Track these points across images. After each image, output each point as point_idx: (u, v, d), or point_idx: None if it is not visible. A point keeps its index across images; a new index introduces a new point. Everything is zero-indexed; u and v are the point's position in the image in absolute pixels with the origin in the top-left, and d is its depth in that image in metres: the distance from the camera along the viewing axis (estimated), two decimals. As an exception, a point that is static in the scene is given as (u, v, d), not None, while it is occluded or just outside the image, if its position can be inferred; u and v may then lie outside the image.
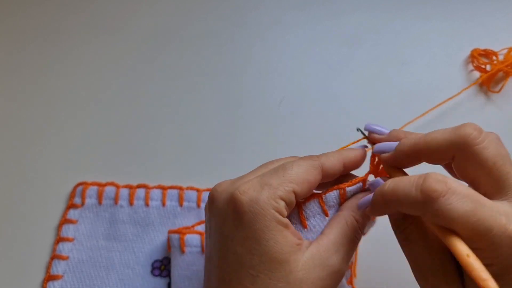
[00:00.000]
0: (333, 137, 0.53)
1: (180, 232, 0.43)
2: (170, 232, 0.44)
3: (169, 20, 0.64)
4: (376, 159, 0.34)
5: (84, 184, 0.49)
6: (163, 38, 0.62)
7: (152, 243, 0.46)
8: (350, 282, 0.42)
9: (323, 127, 0.54)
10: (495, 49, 0.58)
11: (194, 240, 0.42)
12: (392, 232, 0.44)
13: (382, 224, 0.44)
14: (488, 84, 0.55)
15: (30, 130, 0.54)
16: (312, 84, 0.58)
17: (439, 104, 0.52)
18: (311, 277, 0.28)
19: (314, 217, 0.32)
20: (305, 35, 0.62)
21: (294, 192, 0.29)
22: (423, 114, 0.49)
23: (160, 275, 0.44)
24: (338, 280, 0.30)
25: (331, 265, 0.29)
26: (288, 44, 0.61)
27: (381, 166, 0.34)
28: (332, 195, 0.32)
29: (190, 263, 0.42)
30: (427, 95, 0.56)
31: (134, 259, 0.45)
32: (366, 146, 0.35)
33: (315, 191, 0.33)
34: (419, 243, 0.29)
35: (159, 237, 0.46)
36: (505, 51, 0.57)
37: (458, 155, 0.28)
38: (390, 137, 0.33)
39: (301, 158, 0.32)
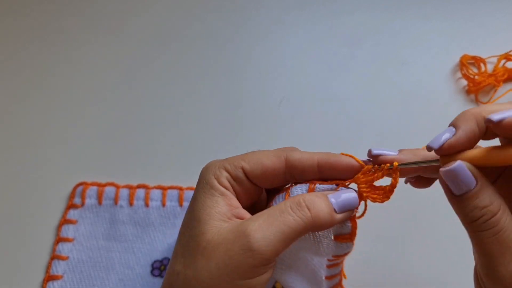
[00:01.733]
0: (333, 137, 0.53)
1: None
2: None
3: (169, 20, 0.64)
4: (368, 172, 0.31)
5: (84, 184, 0.49)
6: (163, 38, 0.62)
7: (152, 244, 0.46)
8: (340, 284, 0.41)
9: (323, 127, 0.54)
10: (493, 50, 0.57)
11: None
12: (383, 234, 0.44)
13: (373, 225, 0.45)
14: (476, 92, 0.55)
15: (30, 130, 0.54)
16: (312, 84, 0.58)
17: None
18: (218, 239, 0.27)
19: None
20: (305, 35, 0.62)
21: (243, 168, 0.30)
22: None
23: (160, 275, 0.44)
24: (244, 245, 0.27)
25: (241, 230, 0.27)
26: (288, 44, 0.61)
27: (373, 181, 0.31)
28: (298, 188, 0.31)
29: None
30: (427, 95, 0.56)
31: (134, 260, 0.45)
32: (367, 163, 0.32)
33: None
34: (509, 228, 0.26)
35: (159, 238, 0.46)
36: (493, 59, 0.57)
37: None
38: (404, 153, 0.30)
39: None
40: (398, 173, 0.30)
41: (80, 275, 0.44)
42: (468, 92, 0.56)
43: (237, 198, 0.31)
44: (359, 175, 0.31)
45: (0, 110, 0.56)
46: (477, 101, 0.55)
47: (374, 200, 0.31)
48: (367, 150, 0.31)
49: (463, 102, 0.55)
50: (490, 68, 0.57)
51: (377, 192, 0.31)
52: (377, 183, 0.31)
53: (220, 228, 0.28)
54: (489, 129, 0.27)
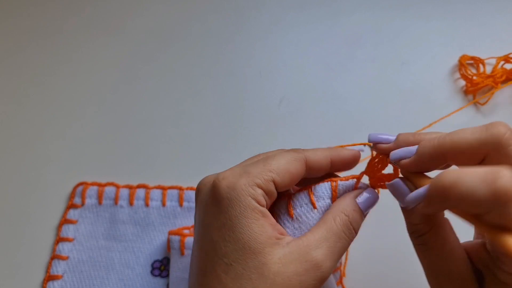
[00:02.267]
0: (333, 137, 0.53)
1: (181, 234, 0.43)
2: (170, 233, 0.44)
3: (169, 20, 0.64)
4: (378, 166, 0.33)
5: (84, 184, 0.49)
6: (163, 38, 0.62)
7: (152, 243, 0.46)
8: (340, 282, 0.42)
9: (323, 127, 0.54)
10: (492, 51, 0.57)
11: None
12: (383, 231, 0.44)
13: (373, 222, 0.45)
14: (474, 93, 0.55)
15: (30, 130, 0.54)
16: (312, 84, 0.58)
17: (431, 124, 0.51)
18: (288, 271, 0.27)
19: (301, 207, 0.31)
20: (305, 35, 0.62)
21: (274, 182, 0.29)
22: (427, 127, 0.49)
23: (160, 275, 0.44)
24: (318, 276, 0.27)
25: (310, 260, 0.27)
26: (288, 44, 0.61)
27: (380, 171, 0.33)
28: (322, 187, 0.32)
29: (188, 266, 0.42)
30: (426, 95, 0.56)
31: (134, 259, 0.45)
32: (362, 150, 0.35)
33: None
34: (436, 250, 0.28)
35: (159, 237, 0.46)
36: (492, 60, 0.57)
37: (491, 156, 0.26)
38: (398, 142, 0.31)
39: (286, 150, 0.32)
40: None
41: (80, 275, 0.44)
42: (466, 92, 0.56)
43: None
44: (367, 169, 0.33)
45: (0, 110, 0.56)
46: (475, 102, 0.55)
47: (384, 188, 0.33)
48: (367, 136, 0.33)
49: (462, 103, 0.55)
50: (489, 69, 0.57)
51: (384, 180, 0.33)
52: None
53: (281, 256, 0.27)
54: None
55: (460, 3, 0.64)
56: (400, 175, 0.31)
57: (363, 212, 0.31)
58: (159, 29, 0.63)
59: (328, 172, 0.33)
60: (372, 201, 0.31)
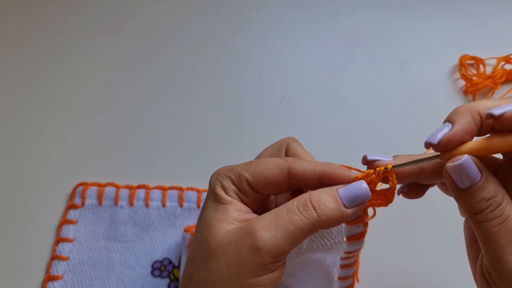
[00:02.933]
0: (333, 136, 0.53)
1: (191, 231, 0.42)
2: (186, 230, 0.43)
3: (169, 20, 0.64)
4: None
5: (84, 184, 0.49)
6: (163, 38, 0.62)
7: (152, 244, 0.46)
8: (352, 286, 0.41)
9: (323, 127, 0.54)
10: (493, 52, 0.57)
11: None
12: (396, 239, 0.44)
13: (386, 232, 0.45)
14: (474, 93, 0.55)
15: (31, 130, 0.54)
16: (312, 84, 0.58)
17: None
18: (227, 240, 0.28)
19: None
20: (305, 35, 0.62)
21: (247, 181, 0.30)
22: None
23: (160, 275, 0.44)
24: (251, 245, 0.27)
25: (248, 228, 0.27)
26: (288, 44, 0.61)
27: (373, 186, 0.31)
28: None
29: None
30: (426, 94, 0.56)
31: (134, 260, 0.45)
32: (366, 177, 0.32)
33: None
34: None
35: (159, 238, 0.46)
36: (493, 60, 0.57)
37: None
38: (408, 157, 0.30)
39: (277, 157, 0.33)
40: (393, 175, 0.30)
41: (80, 275, 0.44)
42: (465, 92, 0.56)
43: (246, 205, 0.31)
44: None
45: (0, 110, 0.56)
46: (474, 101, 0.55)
47: (378, 205, 0.31)
48: (362, 156, 0.31)
49: (462, 103, 0.55)
50: (489, 69, 0.57)
51: (379, 197, 0.31)
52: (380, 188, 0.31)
53: (230, 230, 0.29)
54: (485, 124, 0.28)
55: (460, 3, 0.64)
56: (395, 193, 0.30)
57: (341, 200, 0.29)
58: (159, 29, 0.63)
59: (319, 187, 0.31)
60: (356, 191, 0.29)
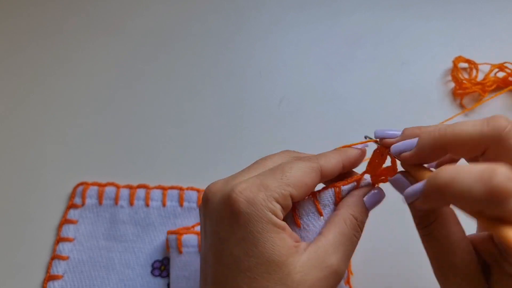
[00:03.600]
0: (333, 136, 0.53)
1: (178, 232, 0.43)
2: (169, 232, 0.44)
3: (169, 20, 0.64)
4: (378, 159, 0.34)
5: (84, 184, 0.49)
6: (163, 38, 0.62)
7: (152, 243, 0.46)
8: (348, 281, 0.42)
9: (323, 127, 0.54)
10: (492, 52, 0.57)
11: (191, 240, 0.42)
12: (389, 229, 0.44)
13: (379, 220, 0.45)
14: (461, 97, 0.55)
15: (31, 130, 0.54)
16: (312, 84, 0.58)
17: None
18: (309, 279, 0.28)
19: (307, 216, 0.31)
20: (305, 35, 0.62)
21: (291, 196, 0.29)
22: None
23: (160, 275, 0.44)
24: (337, 280, 0.29)
25: (330, 266, 0.28)
26: (288, 44, 0.61)
27: (381, 166, 0.34)
28: (327, 194, 0.32)
29: (187, 263, 0.42)
30: (427, 95, 0.56)
31: (134, 260, 0.45)
32: (366, 146, 0.35)
33: None
34: (442, 240, 0.28)
35: (159, 238, 0.46)
36: (487, 66, 0.56)
37: (491, 149, 0.26)
38: (404, 136, 0.31)
39: (300, 159, 0.31)
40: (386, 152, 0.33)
41: (80, 275, 0.44)
42: (454, 95, 0.55)
43: None
44: (368, 167, 0.34)
45: (0, 110, 0.56)
46: (461, 106, 0.54)
47: (385, 182, 0.34)
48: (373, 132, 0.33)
49: (450, 105, 0.55)
50: (483, 74, 0.56)
51: (384, 175, 0.33)
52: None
53: (302, 265, 0.28)
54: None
55: (460, 3, 0.64)
56: (402, 169, 0.32)
57: (368, 211, 0.32)
58: (159, 29, 0.63)
59: (341, 173, 0.33)
60: (379, 200, 0.32)
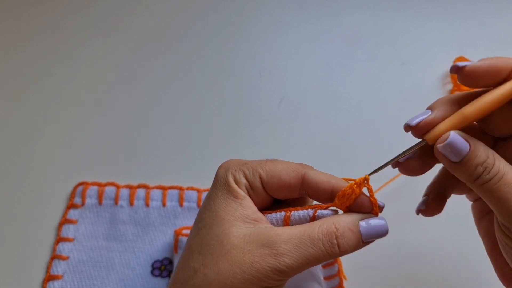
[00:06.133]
0: (333, 136, 0.53)
1: (184, 233, 0.43)
2: (177, 232, 0.43)
3: (169, 20, 0.64)
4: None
5: (84, 184, 0.49)
6: (163, 38, 0.62)
7: (152, 244, 0.46)
8: (341, 285, 0.42)
9: (323, 127, 0.54)
10: (492, 53, 0.57)
11: None
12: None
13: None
14: None
15: (31, 130, 0.54)
16: (312, 84, 0.58)
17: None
18: (245, 247, 0.28)
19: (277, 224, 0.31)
20: (305, 35, 0.62)
21: (261, 178, 0.30)
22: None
23: (160, 275, 0.44)
24: (272, 264, 0.27)
25: (272, 248, 0.27)
26: (288, 44, 0.61)
27: (353, 199, 0.30)
28: (298, 214, 0.30)
29: None
30: (427, 95, 0.56)
31: (134, 260, 0.45)
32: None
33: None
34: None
35: (159, 237, 0.46)
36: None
37: None
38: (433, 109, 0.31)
39: (296, 163, 0.32)
40: (371, 187, 0.30)
41: (80, 275, 0.44)
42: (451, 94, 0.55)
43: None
44: (336, 201, 0.30)
45: (0, 110, 0.56)
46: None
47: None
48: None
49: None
50: None
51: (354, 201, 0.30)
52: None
53: (246, 233, 0.28)
54: (460, 81, 0.30)
55: (460, 3, 0.64)
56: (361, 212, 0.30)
57: (361, 237, 0.29)
58: (159, 29, 0.63)
59: (329, 200, 0.31)
60: (379, 231, 0.29)
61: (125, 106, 0.56)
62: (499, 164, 0.28)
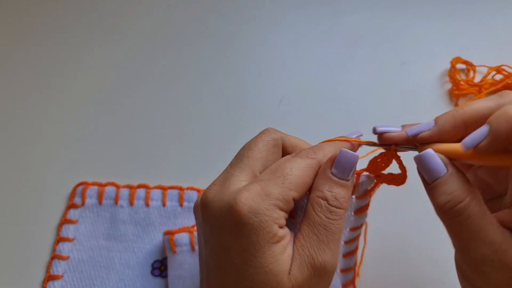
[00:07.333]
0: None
1: (170, 232, 0.43)
2: (164, 233, 0.44)
3: (169, 20, 0.64)
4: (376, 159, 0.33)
5: (84, 184, 0.49)
6: (163, 38, 0.62)
7: (152, 243, 0.46)
8: (353, 282, 0.42)
9: (323, 127, 0.54)
10: (491, 53, 0.57)
11: (183, 239, 0.42)
12: (396, 231, 0.44)
13: (386, 222, 0.45)
14: (457, 97, 0.55)
15: (31, 130, 0.54)
16: (312, 84, 0.58)
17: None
18: (299, 282, 0.28)
19: (301, 210, 0.31)
20: (305, 35, 0.62)
21: (294, 199, 0.29)
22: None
23: (160, 275, 0.44)
24: (327, 277, 0.28)
25: (315, 267, 0.28)
26: (288, 44, 0.61)
27: (383, 169, 0.33)
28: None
29: (182, 262, 0.42)
30: (427, 95, 0.56)
31: (134, 259, 0.45)
32: (361, 134, 0.34)
33: None
34: (477, 218, 0.27)
35: (159, 238, 0.46)
36: (484, 68, 0.56)
37: None
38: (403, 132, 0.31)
39: (298, 155, 0.31)
40: (397, 156, 0.32)
41: (80, 275, 0.44)
42: (450, 95, 0.55)
43: None
44: (369, 166, 0.33)
45: (1, 110, 0.56)
46: (457, 106, 0.55)
47: (390, 184, 0.33)
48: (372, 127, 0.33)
49: (446, 105, 0.55)
50: (481, 75, 0.56)
51: (391, 177, 0.33)
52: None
53: (291, 274, 0.28)
54: (468, 132, 0.29)
55: (460, 3, 0.64)
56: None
57: (342, 179, 0.29)
58: (159, 30, 0.63)
59: None
60: (349, 162, 0.29)
61: (125, 106, 0.56)
62: (470, 205, 0.27)
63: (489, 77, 0.55)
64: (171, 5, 0.65)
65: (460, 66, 0.57)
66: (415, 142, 0.30)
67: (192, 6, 0.65)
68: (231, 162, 0.33)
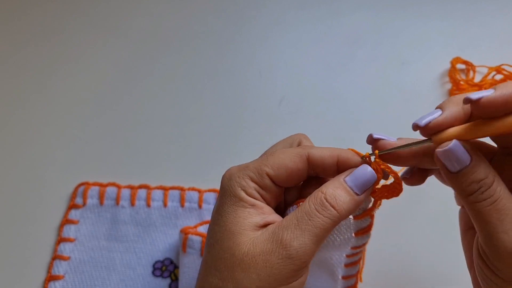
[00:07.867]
0: (333, 136, 0.53)
1: (196, 233, 0.42)
2: (187, 232, 0.43)
3: (170, 20, 0.64)
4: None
5: (85, 184, 0.49)
6: (164, 38, 0.62)
7: (153, 244, 0.46)
8: (355, 286, 0.42)
9: (323, 127, 0.54)
10: (491, 53, 0.57)
11: (195, 243, 0.42)
12: (399, 237, 0.44)
13: (390, 229, 0.45)
14: None
15: (32, 130, 0.54)
16: (312, 84, 0.58)
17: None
18: (255, 251, 0.28)
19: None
20: (306, 35, 0.62)
21: (269, 176, 0.30)
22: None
23: (161, 275, 0.44)
24: (283, 256, 0.28)
25: (277, 240, 0.28)
26: (288, 44, 0.61)
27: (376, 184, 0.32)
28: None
29: (191, 262, 0.42)
30: (427, 94, 0.56)
31: (135, 260, 0.45)
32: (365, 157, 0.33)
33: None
34: (505, 199, 0.27)
35: (160, 238, 0.46)
36: (484, 68, 0.56)
37: None
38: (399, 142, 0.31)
39: (293, 147, 0.32)
40: (385, 164, 0.31)
41: (81, 275, 0.45)
42: (450, 95, 0.55)
43: (268, 204, 0.31)
44: (377, 193, 0.31)
45: (1, 110, 0.56)
46: None
47: (389, 198, 0.32)
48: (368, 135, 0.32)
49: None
50: (481, 75, 0.56)
51: (388, 189, 0.32)
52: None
53: (254, 239, 0.28)
54: (472, 112, 0.29)
55: (460, 3, 0.64)
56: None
57: (352, 189, 0.30)
58: (159, 30, 0.63)
59: (336, 173, 0.32)
60: (364, 177, 0.30)
61: (126, 107, 0.56)
62: (497, 187, 0.27)
63: (489, 77, 0.55)
64: (171, 5, 0.65)
65: (460, 66, 0.57)
66: (426, 131, 0.29)
67: (192, 6, 0.65)
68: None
